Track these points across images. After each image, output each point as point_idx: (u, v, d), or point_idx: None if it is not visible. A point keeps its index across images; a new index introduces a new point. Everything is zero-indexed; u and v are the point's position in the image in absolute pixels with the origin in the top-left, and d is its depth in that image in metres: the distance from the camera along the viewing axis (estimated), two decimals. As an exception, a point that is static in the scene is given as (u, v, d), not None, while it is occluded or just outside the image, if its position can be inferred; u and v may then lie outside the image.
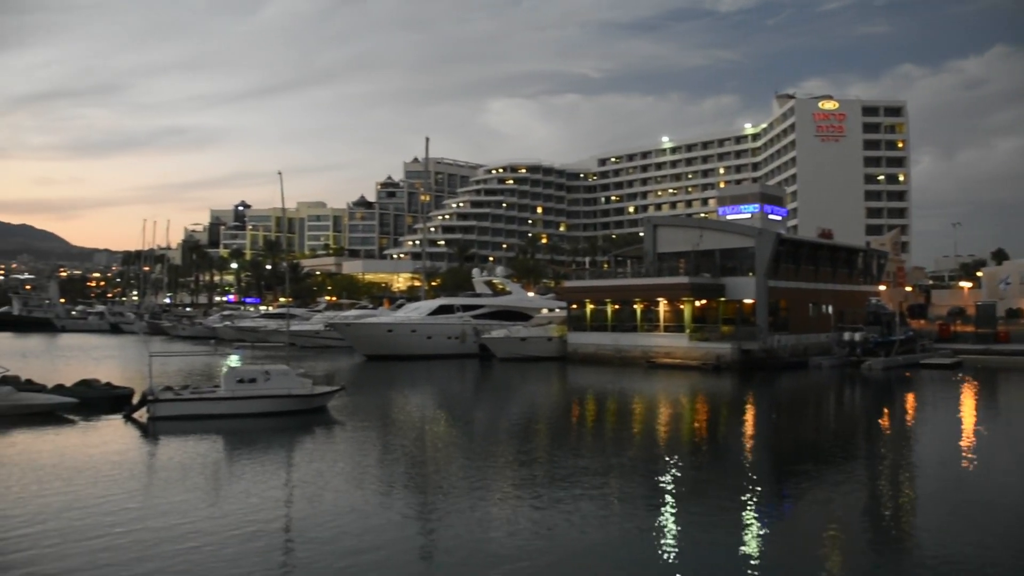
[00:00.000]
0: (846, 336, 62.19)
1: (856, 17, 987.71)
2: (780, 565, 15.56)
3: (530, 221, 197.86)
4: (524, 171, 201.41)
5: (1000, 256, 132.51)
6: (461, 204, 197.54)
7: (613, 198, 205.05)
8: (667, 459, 25.76)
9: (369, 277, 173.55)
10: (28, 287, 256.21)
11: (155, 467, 24.31)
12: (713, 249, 64.55)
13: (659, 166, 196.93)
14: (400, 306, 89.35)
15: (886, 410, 41.64)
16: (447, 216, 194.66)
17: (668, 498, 20.67)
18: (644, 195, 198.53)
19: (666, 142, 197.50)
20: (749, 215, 71.21)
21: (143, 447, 28.00)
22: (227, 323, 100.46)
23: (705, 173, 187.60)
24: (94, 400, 35.64)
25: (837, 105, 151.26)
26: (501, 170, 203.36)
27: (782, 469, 25.80)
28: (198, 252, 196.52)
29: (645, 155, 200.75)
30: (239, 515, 18.37)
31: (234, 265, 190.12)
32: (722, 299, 62.46)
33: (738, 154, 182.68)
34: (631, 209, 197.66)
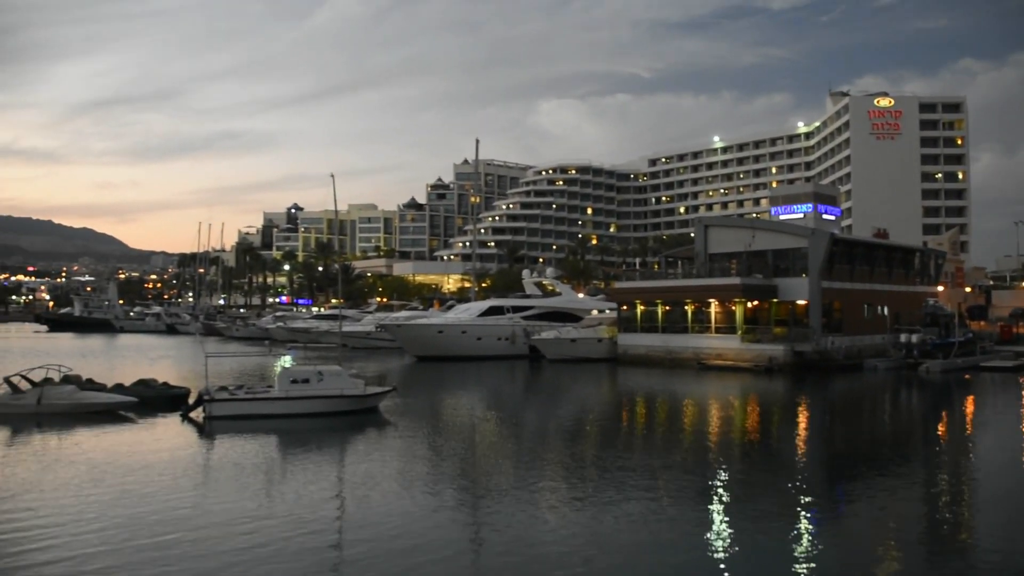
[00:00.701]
0: (903, 338, 61.02)
1: (913, 12, 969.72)
2: (833, 570, 15.31)
3: (580, 222, 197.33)
4: (574, 172, 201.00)
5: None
6: (511, 205, 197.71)
7: (664, 198, 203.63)
8: (718, 462, 25.51)
9: (419, 278, 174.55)
10: (89, 289, 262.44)
11: (211, 466, 24.72)
12: (765, 250, 63.78)
13: (710, 166, 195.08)
14: (450, 307, 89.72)
15: (944, 414, 40.73)
16: (497, 217, 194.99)
17: (719, 501, 20.46)
18: (695, 195, 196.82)
19: (717, 142, 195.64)
20: (802, 215, 70.17)
21: (200, 446, 28.49)
22: (280, 324, 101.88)
23: (757, 173, 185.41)
24: (152, 399, 36.36)
25: (893, 102, 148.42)
26: (551, 171, 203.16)
27: (836, 473, 25.38)
28: (251, 254, 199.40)
29: (696, 155, 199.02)
30: (292, 514, 18.60)
31: (286, 267, 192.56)
32: (774, 300, 61.69)
33: (791, 153, 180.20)
34: (682, 209, 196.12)
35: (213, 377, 37.28)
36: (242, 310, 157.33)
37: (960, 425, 36.98)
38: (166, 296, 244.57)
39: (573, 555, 15.81)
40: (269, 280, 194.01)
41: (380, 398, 36.40)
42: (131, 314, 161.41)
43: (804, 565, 15.32)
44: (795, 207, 72.39)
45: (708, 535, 17.29)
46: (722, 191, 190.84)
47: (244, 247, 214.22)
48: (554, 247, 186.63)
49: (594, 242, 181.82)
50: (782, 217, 72.61)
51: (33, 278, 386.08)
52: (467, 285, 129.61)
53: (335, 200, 50.86)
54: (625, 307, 68.81)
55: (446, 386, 51.13)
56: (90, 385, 37.47)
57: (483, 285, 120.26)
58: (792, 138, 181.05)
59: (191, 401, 35.08)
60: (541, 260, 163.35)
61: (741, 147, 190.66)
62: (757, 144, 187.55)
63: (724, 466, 24.77)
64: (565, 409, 41.67)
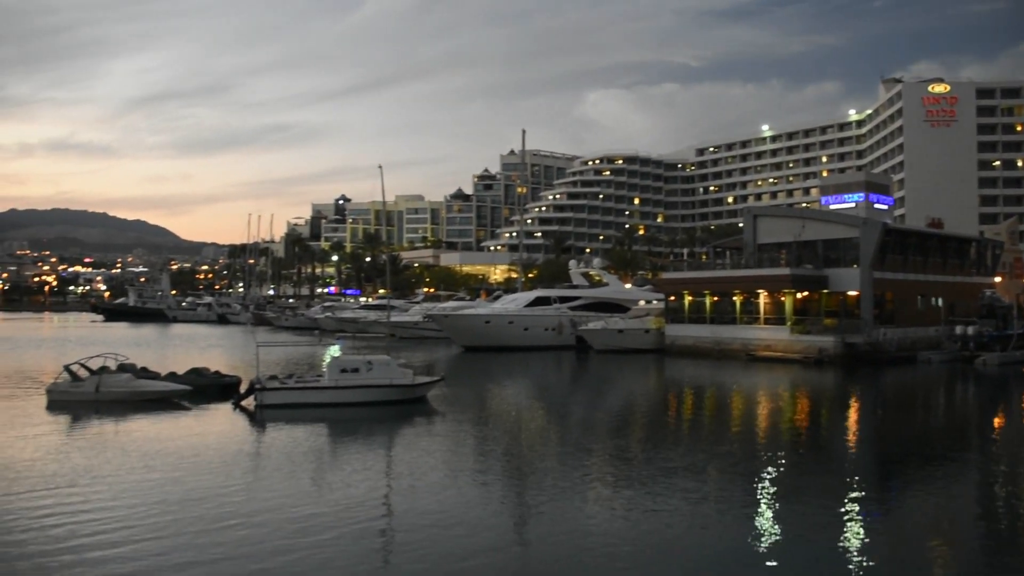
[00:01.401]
0: (958, 330, 59.86)
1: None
2: (884, 567, 15.11)
3: (627, 212, 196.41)
4: (621, 162, 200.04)
5: None
6: (558, 196, 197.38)
7: (712, 188, 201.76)
8: (767, 455, 25.29)
9: (466, 269, 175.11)
10: (142, 279, 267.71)
11: (262, 454, 25.11)
12: (815, 240, 62.91)
13: (759, 155, 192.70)
14: (497, 298, 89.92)
15: (1002, 408, 39.92)
16: (544, 208, 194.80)
17: (768, 495, 20.27)
18: (743, 185, 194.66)
19: (766, 130, 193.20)
20: (853, 204, 68.95)
21: (251, 434, 28.97)
22: (328, 314, 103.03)
23: (807, 162, 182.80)
24: (204, 388, 37.01)
25: (948, 88, 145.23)
26: (598, 161, 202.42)
27: (888, 469, 25.00)
28: (300, 245, 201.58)
29: (744, 144, 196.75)
30: (341, 503, 18.82)
31: (335, 257, 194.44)
32: (825, 291, 60.87)
33: (841, 142, 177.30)
34: (730, 199, 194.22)
35: (263, 366, 37.84)
36: (291, 300, 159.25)
37: (1019, 420, 36.22)
38: (217, 286, 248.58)
39: (620, 546, 15.81)
40: (317, 271, 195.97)
41: (428, 388, 36.64)
42: (183, 304, 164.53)
43: (855, 562, 15.13)
44: (846, 196, 71.14)
45: (756, 529, 17.17)
46: (771, 180, 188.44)
47: (293, 238, 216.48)
48: (601, 237, 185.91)
49: (641, 232, 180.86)
50: (833, 207, 71.43)
51: (90, 269, 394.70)
52: (514, 275, 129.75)
53: (383, 191, 51.21)
54: (673, 298, 68.40)
55: (493, 376, 51.31)
56: (144, 373, 38.27)
57: (530, 275, 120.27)
58: (843, 126, 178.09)
59: (242, 390, 35.62)
60: (588, 250, 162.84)
61: (791, 136, 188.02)
62: (807, 133, 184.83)
63: (773, 459, 24.55)
64: (612, 400, 41.61)
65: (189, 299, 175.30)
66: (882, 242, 59.94)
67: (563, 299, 75.06)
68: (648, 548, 15.81)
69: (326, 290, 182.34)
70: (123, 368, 37.61)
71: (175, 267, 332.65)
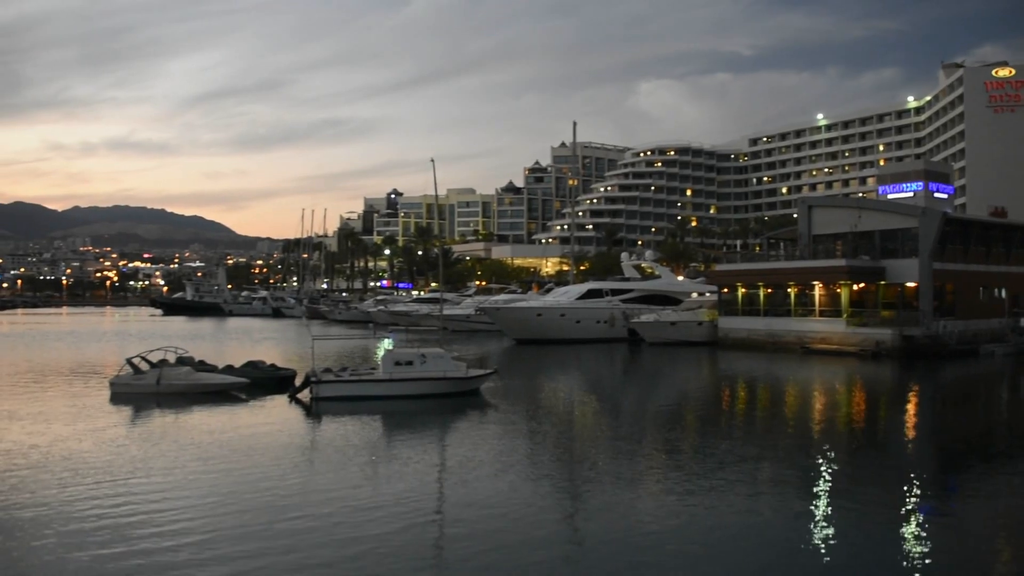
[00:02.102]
0: (1022, 322, 58.41)
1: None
2: (941, 564, 14.86)
3: (679, 204, 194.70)
4: (673, 153, 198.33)
5: None
6: (609, 188, 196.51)
7: (765, 179, 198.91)
8: (822, 450, 24.94)
9: (518, 262, 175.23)
10: (199, 274, 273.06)
11: (319, 446, 25.49)
12: (872, 230, 61.83)
13: (814, 144, 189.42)
14: (549, 290, 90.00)
15: (1066, 401, 38.87)
16: (595, 200, 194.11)
17: (822, 490, 20.03)
18: (798, 175, 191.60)
19: (821, 119, 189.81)
20: (912, 194, 67.53)
21: (308, 427, 29.39)
22: (381, 308, 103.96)
23: (863, 151, 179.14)
24: (260, 380, 37.65)
25: (1013, 72, 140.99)
26: (649, 153, 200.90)
27: (948, 466, 24.52)
28: (353, 239, 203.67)
29: (799, 133, 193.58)
30: (396, 495, 19.05)
31: (387, 251, 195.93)
32: (882, 282, 59.81)
33: (899, 129, 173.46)
34: (784, 190, 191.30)
35: (316, 359, 38.37)
36: (344, 294, 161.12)
37: (1083, 413, 35.24)
38: (272, 280, 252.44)
39: (673, 542, 15.78)
40: (370, 264, 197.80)
41: (482, 380, 36.80)
42: (239, 298, 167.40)
43: (912, 561, 14.90)
44: (904, 185, 69.68)
45: (810, 526, 16.95)
46: (826, 170, 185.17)
47: (346, 232, 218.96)
48: (653, 229, 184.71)
49: (694, 224, 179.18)
50: (890, 196, 70.04)
51: (149, 264, 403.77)
52: (565, 268, 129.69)
53: (435, 184, 51.34)
54: (726, 290, 67.79)
55: (545, 369, 51.37)
56: (202, 367, 39.05)
57: (581, 268, 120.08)
58: (901, 114, 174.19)
59: (298, 383, 36.15)
60: (640, 243, 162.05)
61: (846, 124, 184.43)
62: (863, 121, 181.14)
63: (828, 455, 24.21)
64: (664, 393, 41.43)
65: (245, 293, 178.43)
66: (942, 232, 58.69)
67: (615, 292, 74.85)
68: (701, 543, 15.75)
69: (379, 284, 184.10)
70: (182, 361, 38.46)
71: (231, 262, 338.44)
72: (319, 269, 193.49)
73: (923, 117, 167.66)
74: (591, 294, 74.75)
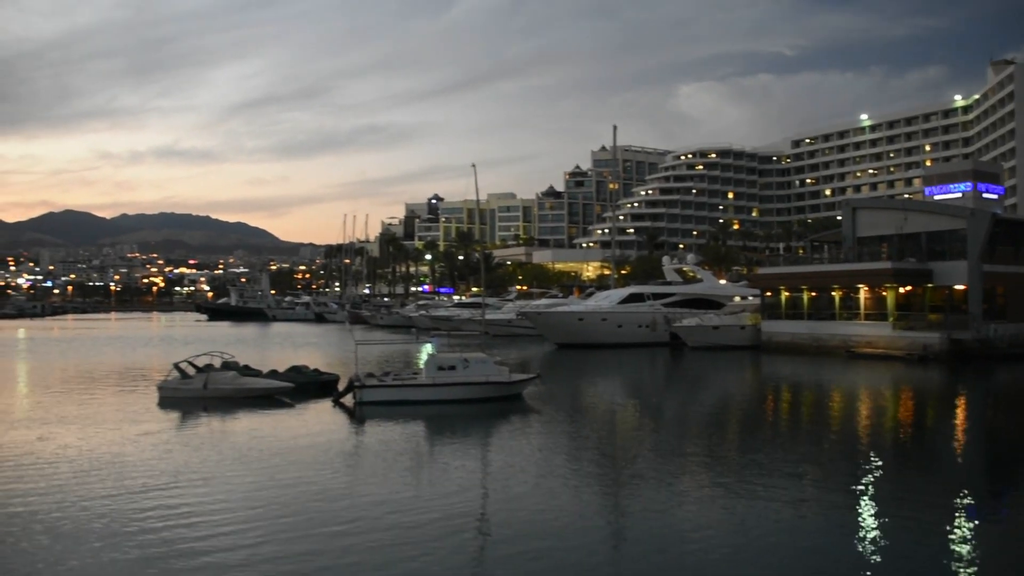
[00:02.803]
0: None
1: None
2: (991, 574, 14.59)
3: (721, 207, 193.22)
4: (714, 156, 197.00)
5: None
6: (650, 191, 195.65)
7: (808, 181, 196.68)
8: (868, 457, 24.60)
9: (559, 266, 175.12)
10: (243, 280, 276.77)
11: (363, 451, 25.69)
12: (919, 232, 60.92)
13: (858, 146, 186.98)
14: (590, 295, 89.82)
15: (1122, 406, 37.93)
16: (636, 204, 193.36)
17: (869, 499, 19.72)
18: (841, 177, 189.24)
19: (865, 120, 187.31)
20: (960, 195, 66.40)
21: (353, 431, 29.60)
22: (422, 312, 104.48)
23: (909, 151, 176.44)
24: (304, 385, 38.01)
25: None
26: (690, 155, 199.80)
27: (999, 472, 24.07)
28: (394, 244, 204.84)
29: (842, 134, 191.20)
30: (439, 500, 19.14)
31: (428, 256, 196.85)
32: (929, 285, 58.85)
33: (946, 129, 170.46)
34: (827, 192, 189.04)
35: (359, 364, 38.63)
36: (386, 299, 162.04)
37: None
38: (314, 286, 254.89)
39: (715, 547, 15.66)
40: (411, 269, 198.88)
41: (524, 385, 36.79)
42: (282, 303, 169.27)
43: (960, 572, 14.65)
44: (952, 186, 68.49)
45: (857, 535, 16.69)
46: (871, 172, 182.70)
47: (387, 238, 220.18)
48: (694, 233, 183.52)
49: (736, 227, 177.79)
50: (937, 197, 68.90)
51: (194, 270, 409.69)
52: (606, 272, 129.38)
53: (476, 189, 51.69)
54: (769, 293, 67.19)
55: (587, 373, 51.28)
56: (247, 371, 39.57)
57: (622, 272, 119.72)
58: (948, 113, 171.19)
59: (341, 387, 36.45)
60: (681, 246, 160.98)
61: (891, 124, 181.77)
62: (909, 121, 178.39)
63: (874, 462, 23.87)
64: (707, 398, 41.16)
65: (288, 299, 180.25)
66: (992, 233, 57.63)
67: (657, 296, 74.52)
68: (744, 550, 15.61)
69: (420, 289, 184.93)
70: (227, 366, 39.00)
71: (274, 267, 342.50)
72: (361, 274, 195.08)
73: (971, 116, 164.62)
74: (632, 298, 74.50)
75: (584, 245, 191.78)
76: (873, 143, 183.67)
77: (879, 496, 19.76)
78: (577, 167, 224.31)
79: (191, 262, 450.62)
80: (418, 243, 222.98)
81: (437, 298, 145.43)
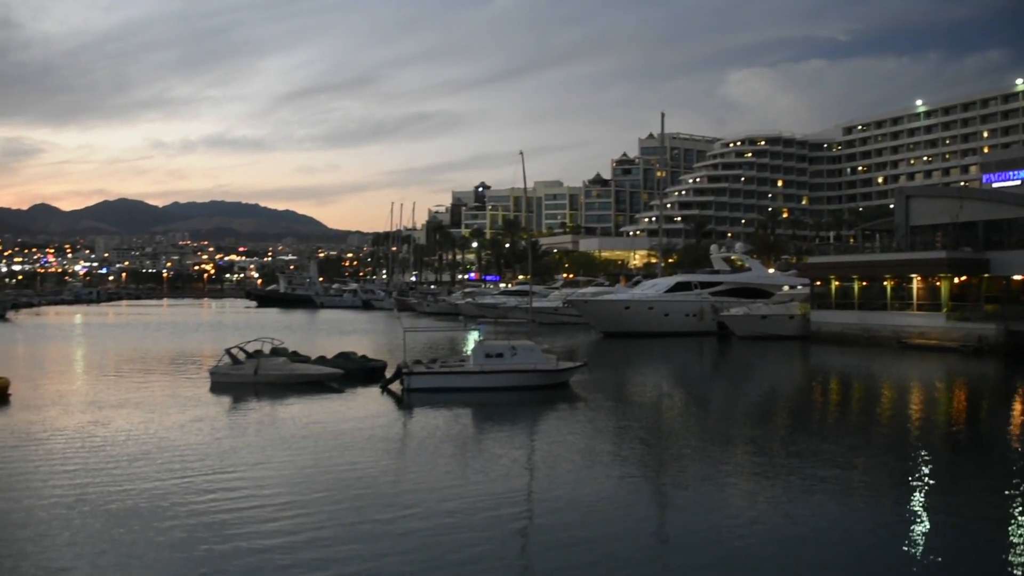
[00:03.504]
0: None
1: None
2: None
3: (770, 195, 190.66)
4: (763, 143, 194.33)
5: None
6: (698, 179, 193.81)
7: (860, 168, 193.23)
8: (920, 450, 24.21)
9: (605, 254, 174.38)
10: (292, 267, 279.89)
11: (412, 437, 25.98)
12: (975, 220, 59.56)
13: (912, 132, 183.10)
14: (637, 283, 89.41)
15: None
16: (684, 192, 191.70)
17: (920, 493, 19.43)
18: (895, 164, 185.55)
19: (920, 105, 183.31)
20: (1019, 182, 64.85)
21: (402, 418, 29.91)
22: (469, 300, 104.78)
23: (966, 138, 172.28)
24: (351, 371, 38.38)
25: None
26: (739, 143, 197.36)
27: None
28: (441, 232, 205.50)
29: (896, 121, 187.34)
30: (484, 487, 19.31)
31: (475, 244, 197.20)
32: (986, 275, 57.57)
33: (1006, 114, 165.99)
34: (880, 180, 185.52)
35: (407, 351, 38.91)
36: (433, 286, 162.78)
37: None
38: (362, 273, 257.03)
39: (762, 540, 15.57)
40: (458, 257, 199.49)
41: (571, 373, 36.76)
42: (330, 291, 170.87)
43: (1013, 571, 14.38)
44: (1011, 173, 67.01)
45: (906, 530, 16.47)
46: (925, 159, 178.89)
47: (434, 225, 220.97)
48: (743, 221, 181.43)
49: (785, 215, 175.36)
50: (995, 185, 67.45)
51: (243, 258, 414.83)
52: (653, 261, 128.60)
53: (524, 177, 51.42)
54: (819, 283, 66.27)
55: (633, 362, 51.11)
56: (296, 357, 40.08)
57: (670, 261, 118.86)
58: (1008, 97, 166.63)
59: (388, 374, 36.75)
60: (729, 235, 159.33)
61: (947, 110, 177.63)
62: (966, 106, 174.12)
63: (926, 455, 23.50)
64: (755, 388, 40.81)
65: (336, 286, 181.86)
66: (1053, 222, 56.13)
67: (704, 284, 73.94)
68: (792, 544, 15.49)
69: (466, 276, 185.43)
70: (276, 352, 39.55)
71: (322, 255, 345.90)
72: (408, 262, 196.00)
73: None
74: (680, 287, 74.01)
75: (631, 233, 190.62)
76: (928, 129, 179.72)
77: (931, 490, 19.47)
78: (624, 155, 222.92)
79: (240, 249, 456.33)
80: (465, 231, 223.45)
81: (483, 286, 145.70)
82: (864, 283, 62.64)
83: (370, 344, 59.01)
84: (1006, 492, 18.99)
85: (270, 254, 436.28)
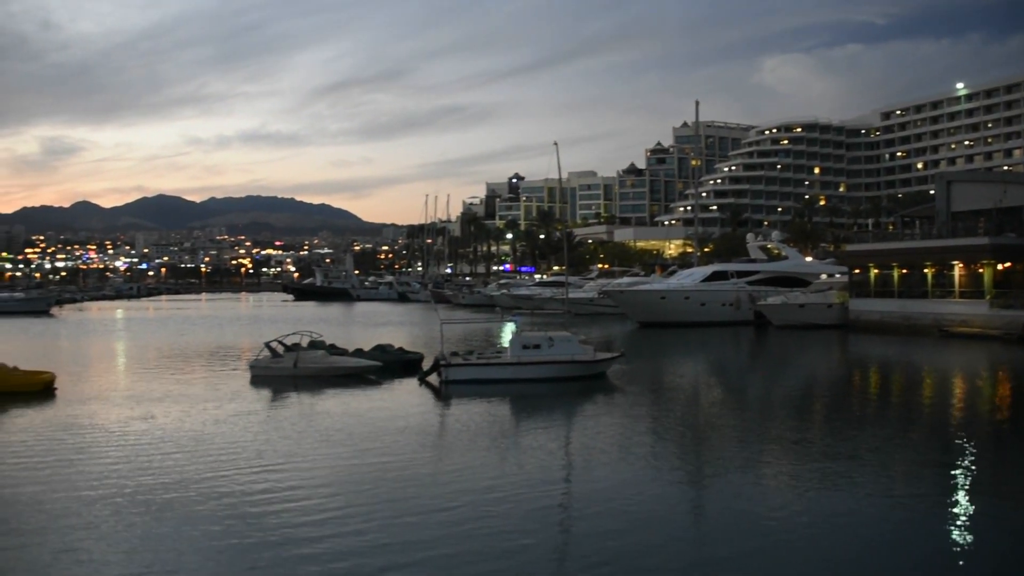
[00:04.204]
0: None
1: None
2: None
3: (806, 182, 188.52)
4: (799, 130, 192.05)
5: None
6: (733, 167, 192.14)
7: (899, 154, 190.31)
8: (962, 442, 23.81)
9: (640, 244, 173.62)
10: (328, 261, 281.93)
11: (450, 430, 26.11)
12: (1019, 206, 58.54)
13: (952, 116, 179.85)
14: (672, 273, 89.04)
15: None
16: (719, 180, 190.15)
17: (963, 489, 19.12)
18: (935, 149, 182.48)
19: (961, 89, 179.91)
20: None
21: (440, 410, 30.04)
22: (504, 291, 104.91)
23: (1009, 121, 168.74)
24: (388, 364, 38.60)
25: None
26: (775, 130, 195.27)
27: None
28: (476, 224, 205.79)
29: (936, 105, 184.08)
30: (523, 477, 19.39)
31: (509, 235, 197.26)
32: (1030, 261, 56.56)
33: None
34: (919, 165, 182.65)
35: (439, 343, 39.04)
36: (468, 278, 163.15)
37: None
38: (397, 266, 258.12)
39: (800, 532, 15.45)
40: (493, 249, 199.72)
41: (609, 364, 36.67)
42: (366, 283, 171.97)
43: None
44: (1056, 158, 65.56)
45: (949, 523, 16.24)
46: (966, 143, 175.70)
47: (468, 217, 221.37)
48: (779, 209, 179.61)
49: (822, 203, 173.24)
50: (1039, 169, 66.10)
51: (280, 252, 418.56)
52: (689, 250, 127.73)
53: (559, 168, 51.49)
54: (857, 270, 65.53)
55: (670, 352, 50.93)
56: (334, 350, 40.36)
57: (705, 250, 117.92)
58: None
59: (425, 366, 36.92)
60: (766, 223, 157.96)
61: (989, 93, 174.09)
62: (1010, 88, 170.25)
63: (969, 448, 23.11)
64: (793, 378, 40.51)
65: (371, 279, 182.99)
66: (1100, 206, 55.05)
67: (741, 273, 73.45)
68: (830, 539, 15.34)
69: (502, 268, 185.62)
70: (314, 345, 39.87)
71: (357, 248, 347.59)
72: (443, 254, 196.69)
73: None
74: (716, 276, 73.55)
75: (666, 223, 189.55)
76: (969, 113, 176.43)
77: (974, 482, 19.22)
78: (658, 144, 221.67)
79: (277, 243, 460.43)
80: (499, 222, 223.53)
81: (518, 277, 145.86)
82: (904, 271, 61.84)
83: (406, 336, 59.32)
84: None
85: (306, 248, 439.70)
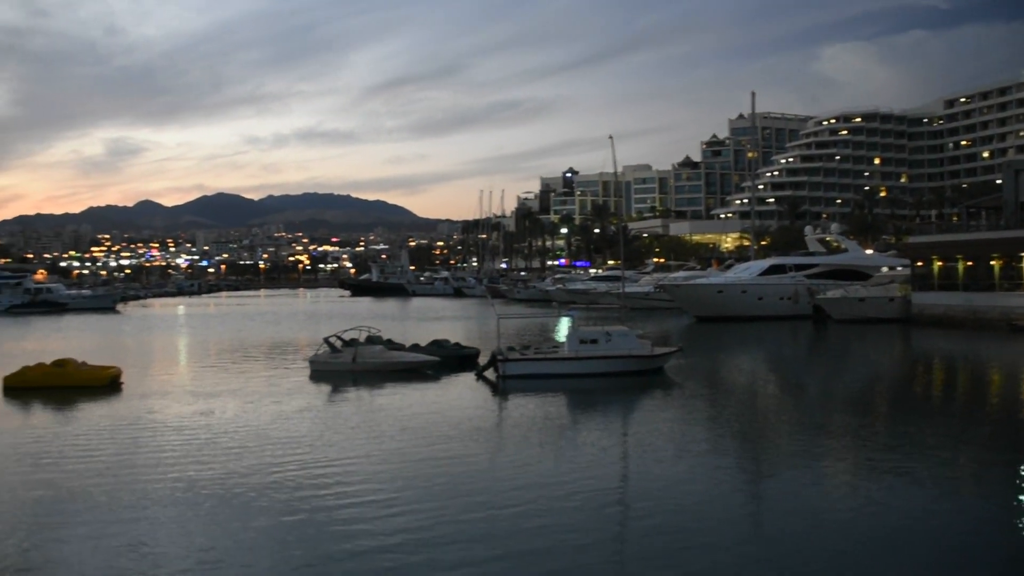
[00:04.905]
0: None
1: None
2: None
3: (867, 173, 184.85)
4: (859, 120, 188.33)
5: None
6: (791, 159, 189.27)
7: (963, 143, 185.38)
8: (1034, 434, 23.21)
9: (696, 238, 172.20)
10: (384, 256, 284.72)
11: (508, 425, 26.13)
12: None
13: (1020, 103, 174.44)
14: (729, 267, 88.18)
15: None
16: (776, 172, 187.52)
17: (1037, 478, 18.69)
18: (1002, 137, 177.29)
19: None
20: None
21: (498, 405, 30.12)
22: (559, 286, 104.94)
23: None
24: (446, 359, 38.80)
25: None
26: (833, 120, 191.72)
27: None
28: (530, 219, 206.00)
29: (1003, 91, 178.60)
30: (579, 472, 19.40)
31: (564, 230, 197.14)
32: (1102, 252, 54.81)
33: None
34: (985, 154, 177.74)
35: (494, 338, 39.16)
36: (523, 273, 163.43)
37: None
38: (452, 261, 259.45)
39: (859, 533, 15.14)
40: (547, 243, 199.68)
41: (666, 358, 36.39)
42: (421, 279, 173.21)
43: None
44: None
45: (1015, 527, 15.84)
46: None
47: (523, 212, 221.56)
48: (838, 201, 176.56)
49: (883, 194, 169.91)
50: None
51: (336, 248, 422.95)
52: (746, 243, 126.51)
53: (614, 161, 51.66)
54: (920, 263, 64.13)
55: (727, 347, 50.42)
56: (391, 345, 40.70)
57: (762, 243, 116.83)
58: None
59: (482, 361, 37.04)
60: (824, 215, 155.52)
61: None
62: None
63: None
64: (853, 373, 39.83)
65: (427, 274, 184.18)
66: None
67: (799, 267, 72.48)
68: (890, 538, 15.04)
69: (556, 262, 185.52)
70: (372, 340, 40.20)
71: (413, 244, 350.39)
72: (498, 249, 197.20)
73: None
74: (773, 270, 72.67)
75: (722, 216, 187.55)
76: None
77: (1046, 478, 18.70)
78: (714, 136, 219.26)
79: (333, 240, 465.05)
80: (554, 217, 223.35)
81: (573, 271, 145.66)
82: (969, 263, 60.33)
83: (462, 331, 59.59)
84: None
85: (362, 244, 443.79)
